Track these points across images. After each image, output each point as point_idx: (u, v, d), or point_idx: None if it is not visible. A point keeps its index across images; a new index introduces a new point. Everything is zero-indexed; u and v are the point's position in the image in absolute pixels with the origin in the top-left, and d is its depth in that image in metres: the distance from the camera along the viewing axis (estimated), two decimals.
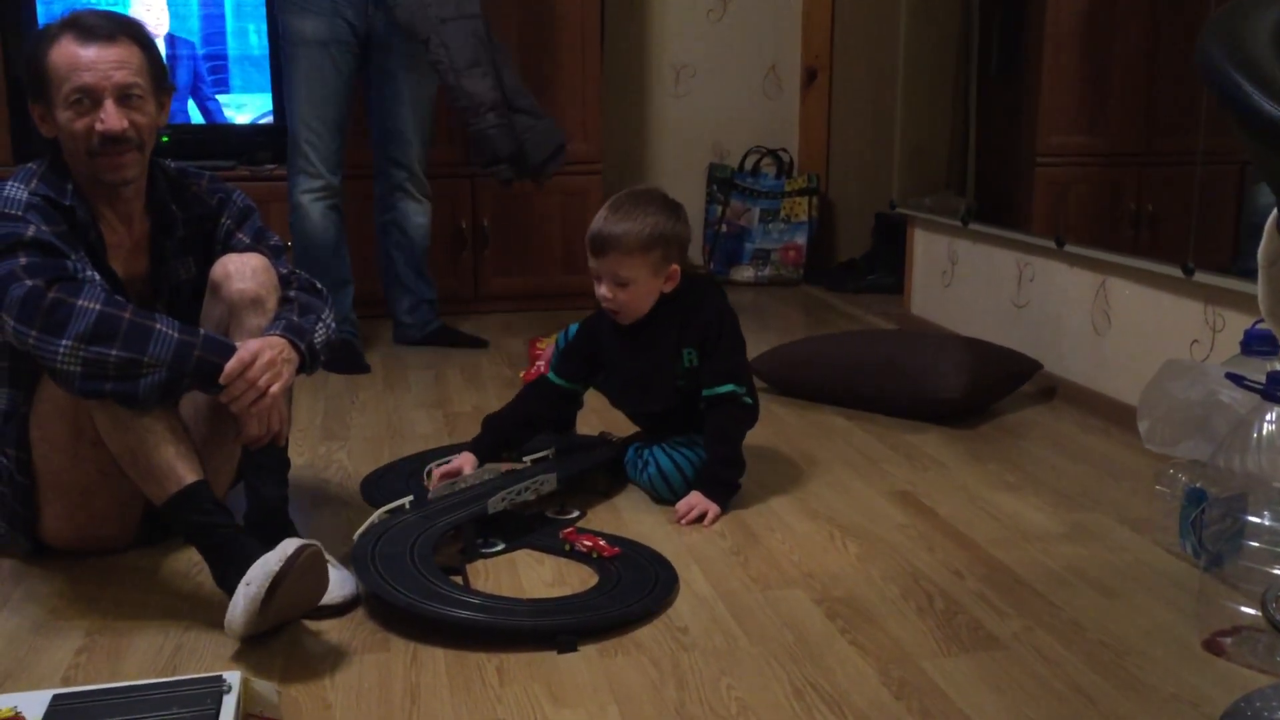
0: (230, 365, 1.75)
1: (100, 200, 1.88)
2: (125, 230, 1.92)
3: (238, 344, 1.80)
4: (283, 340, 1.84)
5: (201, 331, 1.78)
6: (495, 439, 2.32)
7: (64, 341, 1.66)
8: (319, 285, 2.03)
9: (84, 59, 1.79)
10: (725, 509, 2.20)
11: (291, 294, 1.96)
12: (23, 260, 1.71)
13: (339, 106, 3.33)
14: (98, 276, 1.77)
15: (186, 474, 1.74)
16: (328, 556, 1.84)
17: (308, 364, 1.90)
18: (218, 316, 1.93)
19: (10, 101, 3.79)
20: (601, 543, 1.99)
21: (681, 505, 2.18)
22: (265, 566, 1.61)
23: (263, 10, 3.87)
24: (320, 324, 1.94)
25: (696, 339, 2.22)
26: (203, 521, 1.73)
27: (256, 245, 2.00)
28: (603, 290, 2.20)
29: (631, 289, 2.18)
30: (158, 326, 1.71)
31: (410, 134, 3.45)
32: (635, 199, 2.20)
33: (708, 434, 2.25)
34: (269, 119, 3.90)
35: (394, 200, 3.53)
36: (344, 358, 3.32)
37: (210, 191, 2.02)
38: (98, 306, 1.68)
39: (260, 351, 1.79)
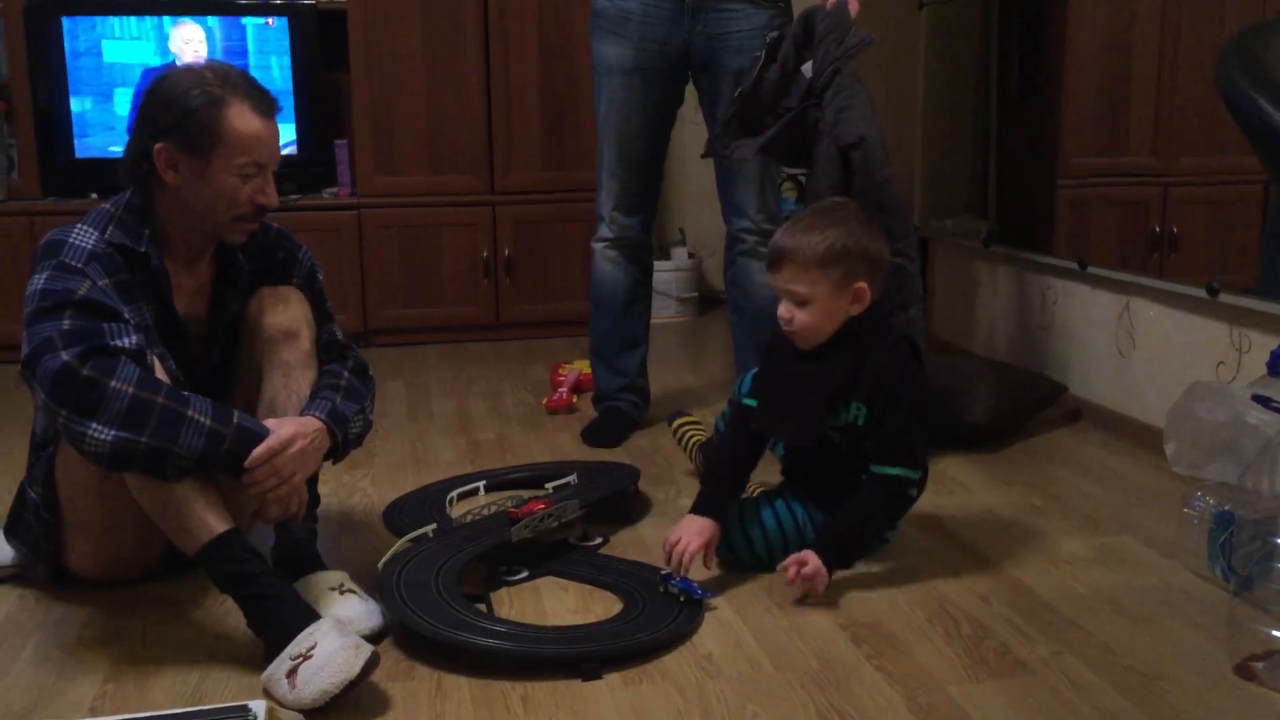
0: (258, 452, 1.74)
1: (176, 247, 1.90)
2: (191, 276, 1.94)
3: (271, 425, 1.78)
4: (320, 426, 1.85)
5: (235, 417, 1.74)
6: (727, 491, 2.09)
7: (94, 424, 1.64)
8: (370, 371, 2.04)
9: (265, 133, 1.83)
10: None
11: (344, 378, 1.97)
12: (65, 324, 1.68)
13: (643, 142, 2.81)
14: (135, 339, 1.72)
15: (217, 524, 1.72)
16: (355, 587, 1.86)
17: (338, 452, 1.91)
18: (254, 349, 1.97)
19: (39, 138, 3.86)
20: (539, 506, 2.11)
21: (793, 559, 1.92)
22: (345, 671, 1.55)
23: (286, 44, 3.92)
24: (361, 414, 1.95)
25: (865, 394, 1.96)
26: (236, 571, 1.71)
27: (316, 309, 2.04)
28: (781, 310, 2.00)
29: (811, 309, 1.96)
30: (190, 414, 1.68)
31: (748, 171, 2.82)
32: (822, 212, 2.02)
33: (858, 501, 1.98)
34: (292, 149, 3.96)
35: (733, 254, 2.91)
36: (602, 427, 2.93)
37: (277, 244, 2.04)
38: (131, 390, 1.65)
39: (293, 439, 1.78)
